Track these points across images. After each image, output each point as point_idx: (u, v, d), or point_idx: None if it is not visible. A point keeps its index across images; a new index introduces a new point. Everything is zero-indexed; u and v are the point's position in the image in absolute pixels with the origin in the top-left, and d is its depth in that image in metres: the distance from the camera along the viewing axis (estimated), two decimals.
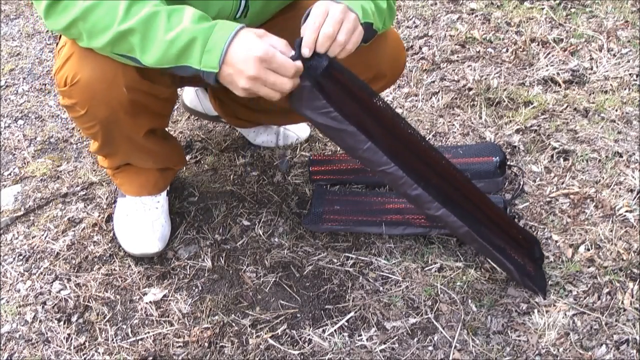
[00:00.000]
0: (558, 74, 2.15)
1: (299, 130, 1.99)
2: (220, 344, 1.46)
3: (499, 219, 1.49)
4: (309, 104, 1.25)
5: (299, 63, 1.18)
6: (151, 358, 1.44)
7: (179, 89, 2.00)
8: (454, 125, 2.00)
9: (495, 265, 1.54)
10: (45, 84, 2.37)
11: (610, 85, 2.09)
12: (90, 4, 1.19)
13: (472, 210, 1.44)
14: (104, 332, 1.50)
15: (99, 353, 1.46)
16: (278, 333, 1.47)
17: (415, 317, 1.47)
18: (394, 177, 1.35)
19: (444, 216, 1.40)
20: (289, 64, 1.17)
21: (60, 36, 1.43)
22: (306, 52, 1.20)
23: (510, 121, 1.98)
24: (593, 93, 2.06)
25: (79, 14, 1.20)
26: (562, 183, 1.76)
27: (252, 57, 1.15)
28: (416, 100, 2.12)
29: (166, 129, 1.71)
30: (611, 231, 1.61)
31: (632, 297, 1.47)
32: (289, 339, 1.46)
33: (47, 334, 1.51)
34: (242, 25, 1.20)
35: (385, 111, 1.38)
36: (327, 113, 1.26)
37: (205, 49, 1.16)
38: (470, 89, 2.13)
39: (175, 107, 2.07)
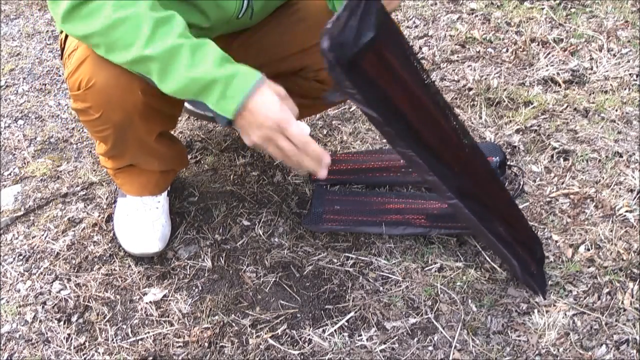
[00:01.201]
0: (558, 74, 2.15)
1: None
2: (220, 344, 1.46)
3: (512, 213, 1.49)
4: (336, 80, 1.19)
5: (315, 147, 1.16)
6: (151, 358, 1.44)
7: None
8: None
9: (497, 259, 1.54)
10: (45, 84, 2.37)
11: (610, 85, 2.09)
12: (113, 20, 1.16)
13: (486, 203, 1.43)
14: (104, 332, 1.50)
15: (99, 353, 1.46)
16: (278, 333, 1.47)
17: (415, 317, 1.47)
18: (414, 162, 1.32)
19: (457, 206, 1.38)
20: (302, 137, 1.15)
21: (66, 39, 1.42)
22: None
23: (510, 121, 1.98)
24: (593, 93, 2.06)
25: (100, 28, 1.17)
26: (562, 183, 1.76)
27: (269, 120, 1.14)
28: None
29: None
30: (611, 231, 1.61)
31: (632, 297, 1.47)
32: (289, 339, 1.46)
33: (47, 334, 1.51)
34: (261, 76, 1.17)
35: (428, 93, 1.33)
36: (351, 94, 1.21)
37: (224, 95, 1.15)
38: (470, 89, 2.13)
39: None
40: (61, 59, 1.46)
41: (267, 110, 1.15)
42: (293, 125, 1.15)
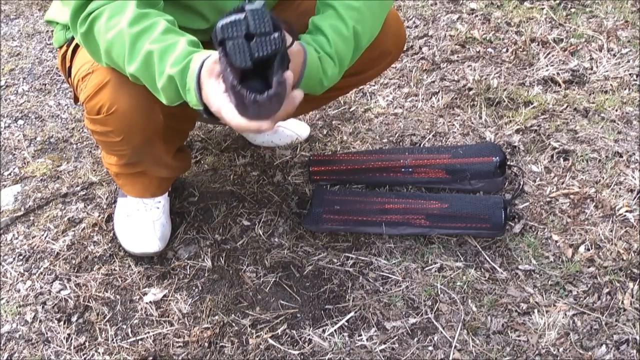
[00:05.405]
0: (558, 74, 2.15)
1: (299, 130, 1.99)
2: (220, 344, 1.46)
3: None
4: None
5: (245, 125, 1.07)
6: (151, 358, 1.44)
7: None
8: (454, 125, 2.00)
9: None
10: (45, 84, 2.36)
11: (610, 85, 2.09)
12: (107, 43, 1.16)
13: None
14: (104, 332, 1.50)
15: (99, 353, 1.46)
16: (278, 333, 1.47)
17: (415, 317, 1.47)
18: None
19: None
20: (232, 123, 1.09)
21: (72, 57, 1.40)
22: None
23: (510, 121, 1.98)
24: (593, 93, 2.06)
25: (104, 52, 1.19)
26: (562, 183, 1.76)
27: (213, 107, 1.10)
28: (416, 100, 2.12)
29: None
30: (611, 231, 1.61)
31: (632, 297, 1.47)
32: (289, 339, 1.46)
33: (47, 334, 1.51)
34: (206, 56, 1.11)
35: None
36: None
37: (186, 90, 1.12)
38: (470, 89, 2.13)
39: None
40: (67, 76, 1.44)
41: (207, 101, 1.11)
42: (223, 113, 1.08)
